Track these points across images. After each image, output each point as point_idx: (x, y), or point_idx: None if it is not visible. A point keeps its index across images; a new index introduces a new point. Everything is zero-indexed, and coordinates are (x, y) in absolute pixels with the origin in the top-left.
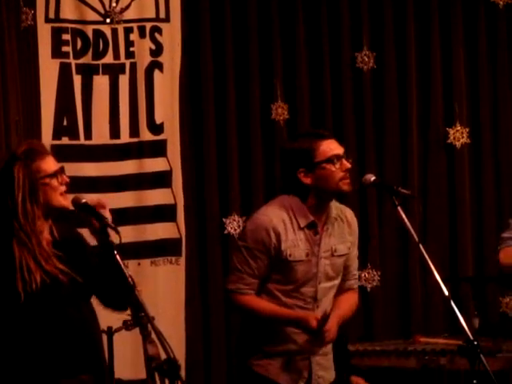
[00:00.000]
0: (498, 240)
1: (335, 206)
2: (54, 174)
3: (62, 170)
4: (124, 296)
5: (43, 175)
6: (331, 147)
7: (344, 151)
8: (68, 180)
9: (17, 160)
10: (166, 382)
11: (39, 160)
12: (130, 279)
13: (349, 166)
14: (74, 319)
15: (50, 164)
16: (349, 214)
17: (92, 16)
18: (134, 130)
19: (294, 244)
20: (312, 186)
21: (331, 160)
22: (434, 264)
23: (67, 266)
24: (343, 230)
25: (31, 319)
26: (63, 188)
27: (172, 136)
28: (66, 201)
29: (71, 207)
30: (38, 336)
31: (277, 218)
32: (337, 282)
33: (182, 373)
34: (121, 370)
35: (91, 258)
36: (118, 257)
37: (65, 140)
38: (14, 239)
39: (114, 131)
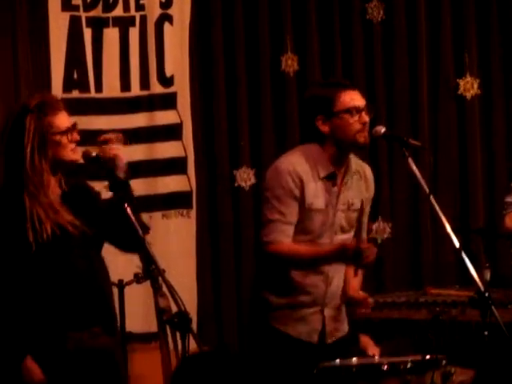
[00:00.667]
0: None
1: (355, 161)
2: (66, 131)
3: (74, 127)
4: (134, 240)
5: (55, 131)
6: (352, 98)
7: (365, 104)
8: (78, 138)
9: (29, 112)
10: (177, 334)
11: (52, 115)
12: (140, 231)
13: (367, 119)
14: (84, 271)
15: (62, 120)
16: (367, 170)
17: None
18: (145, 83)
19: (315, 194)
20: (329, 134)
21: (350, 111)
22: (444, 216)
23: (77, 218)
24: (361, 186)
25: (42, 270)
26: (73, 145)
27: (182, 88)
28: (75, 155)
29: (81, 161)
30: (47, 287)
31: (299, 165)
32: (350, 235)
33: (193, 325)
34: (132, 323)
35: (101, 210)
36: (128, 210)
37: (75, 93)
38: (24, 190)
39: (125, 84)
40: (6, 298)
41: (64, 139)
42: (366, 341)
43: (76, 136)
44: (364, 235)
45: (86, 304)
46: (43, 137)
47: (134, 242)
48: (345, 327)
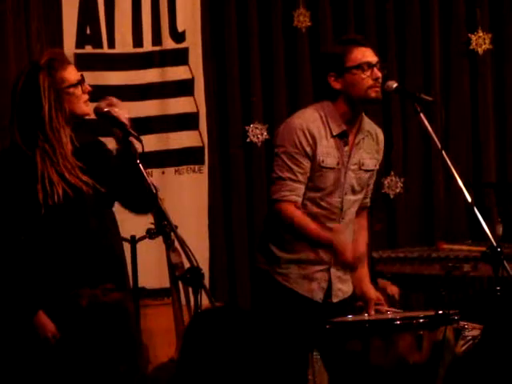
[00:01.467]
0: None
1: (368, 122)
2: (78, 83)
3: (83, 79)
4: (146, 201)
5: (67, 85)
6: (364, 54)
7: (378, 61)
8: (90, 88)
9: (40, 70)
10: (190, 290)
11: (62, 69)
12: (152, 187)
13: (379, 74)
14: (95, 230)
15: (72, 73)
16: (379, 133)
17: None
18: (157, 39)
19: (327, 151)
20: (341, 91)
21: (362, 66)
22: (456, 170)
23: (90, 176)
24: (372, 147)
25: (52, 229)
26: (86, 96)
27: (194, 44)
28: (88, 108)
29: (92, 115)
30: (59, 246)
31: (312, 122)
32: (360, 196)
33: (206, 281)
34: (144, 279)
35: (113, 165)
36: (140, 165)
37: (88, 49)
38: (37, 150)
39: (137, 40)
40: (16, 255)
41: (78, 91)
42: (383, 282)
43: (88, 86)
44: (367, 200)
45: (97, 262)
46: (58, 93)
47: (145, 201)
48: (349, 288)
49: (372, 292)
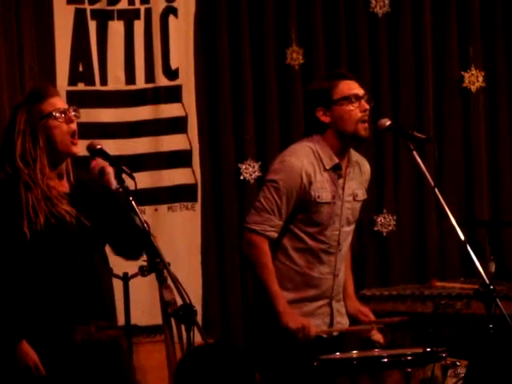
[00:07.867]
0: None
1: (354, 153)
2: (50, 115)
3: (65, 110)
4: (137, 243)
5: (42, 115)
6: (351, 87)
7: (365, 93)
8: (72, 118)
9: (20, 105)
10: (182, 327)
11: (40, 103)
12: (145, 225)
13: (367, 106)
14: (79, 263)
15: (49, 104)
16: (365, 163)
17: None
18: (150, 76)
19: (322, 186)
20: (331, 124)
21: (349, 98)
22: (449, 208)
23: (78, 210)
24: (361, 177)
25: (37, 258)
26: (70, 128)
27: (187, 81)
28: (74, 147)
29: (79, 153)
30: (40, 276)
31: (307, 159)
32: (353, 227)
33: (198, 318)
34: (137, 316)
35: (106, 205)
36: (133, 202)
37: (81, 86)
38: (20, 181)
39: (130, 77)
40: (2, 284)
41: (52, 122)
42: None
43: (71, 116)
44: (352, 227)
45: (80, 296)
46: (33, 125)
47: (136, 243)
48: (346, 321)
49: (362, 308)
